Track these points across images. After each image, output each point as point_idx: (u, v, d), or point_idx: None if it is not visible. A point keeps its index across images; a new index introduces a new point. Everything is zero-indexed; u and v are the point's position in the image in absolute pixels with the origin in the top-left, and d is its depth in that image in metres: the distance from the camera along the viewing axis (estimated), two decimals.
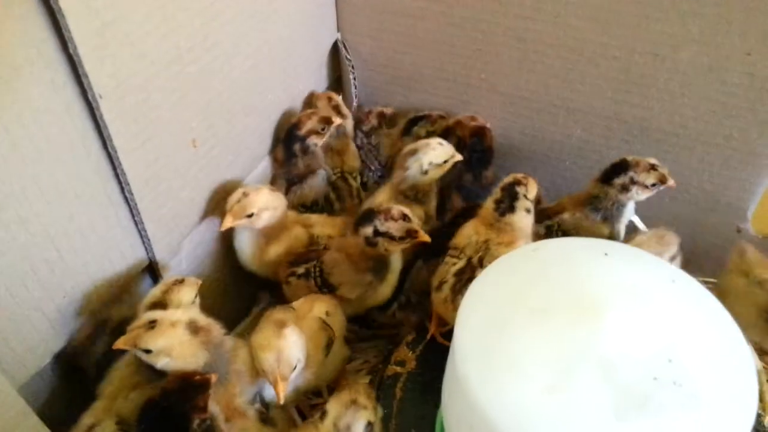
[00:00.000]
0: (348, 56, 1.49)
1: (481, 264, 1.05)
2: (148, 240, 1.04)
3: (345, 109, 1.44)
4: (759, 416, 0.98)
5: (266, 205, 1.14)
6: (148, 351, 0.86)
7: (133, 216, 1.01)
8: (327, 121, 1.30)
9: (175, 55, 0.98)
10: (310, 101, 1.42)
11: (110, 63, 0.86)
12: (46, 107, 0.82)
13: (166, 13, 0.94)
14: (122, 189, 0.97)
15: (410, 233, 1.09)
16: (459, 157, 1.26)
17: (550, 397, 0.65)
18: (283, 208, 1.19)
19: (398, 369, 1.10)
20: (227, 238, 1.12)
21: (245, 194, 1.13)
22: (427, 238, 1.09)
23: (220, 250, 1.23)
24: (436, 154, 1.24)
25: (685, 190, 1.30)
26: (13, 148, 0.79)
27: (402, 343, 1.14)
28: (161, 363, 0.86)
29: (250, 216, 1.12)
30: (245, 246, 1.20)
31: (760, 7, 1.06)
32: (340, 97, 1.46)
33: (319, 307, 1.07)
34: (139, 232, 1.03)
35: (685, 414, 0.64)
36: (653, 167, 1.16)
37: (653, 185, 1.17)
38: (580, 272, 0.76)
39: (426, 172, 1.24)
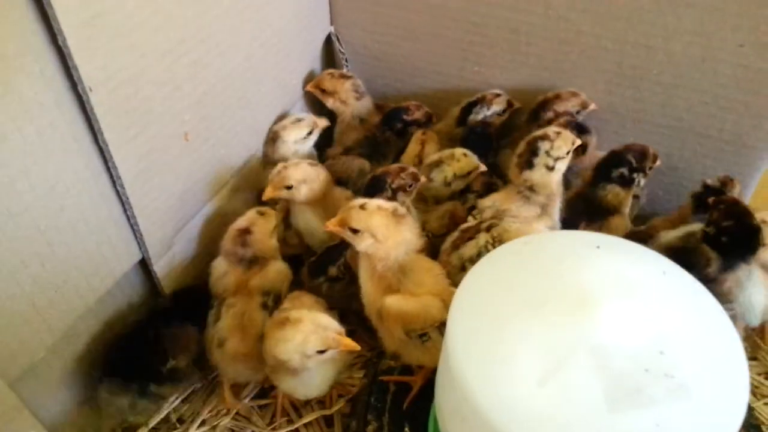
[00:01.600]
0: (341, 49, 1.48)
1: (488, 230, 1.07)
2: (141, 234, 1.03)
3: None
4: (748, 410, 0.99)
5: (304, 177, 1.16)
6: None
7: (125, 210, 1.00)
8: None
9: (166, 47, 0.97)
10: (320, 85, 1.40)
11: (100, 55, 0.86)
12: (36, 100, 0.81)
13: (157, 4, 0.93)
14: (114, 183, 0.96)
15: (414, 177, 1.16)
16: (483, 168, 1.23)
17: (542, 388, 0.65)
18: (322, 182, 1.20)
19: (392, 363, 1.10)
20: (220, 233, 1.11)
21: (285, 167, 1.17)
22: (423, 178, 1.17)
23: (214, 245, 1.22)
24: (460, 166, 1.22)
25: (678, 182, 1.30)
26: (2, 140, 0.78)
27: None
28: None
29: (289, 188, 1.16)
30: (305, 223, 1.22)
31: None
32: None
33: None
34: (131, 226, 1.02)
35: (677, 405, 0.64)
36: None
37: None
38: (572, 265, 0.76)
39: (449, 184, 1.23)
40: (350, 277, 1.11)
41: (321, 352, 0.94)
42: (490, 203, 1.12)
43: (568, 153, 1.09)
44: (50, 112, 0.84)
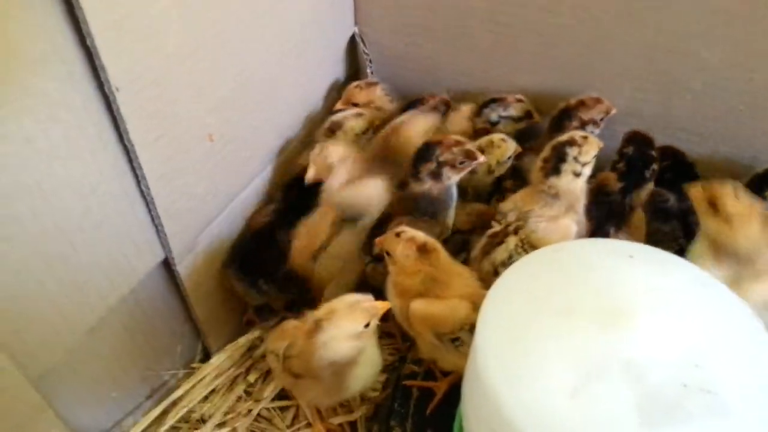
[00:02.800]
0: (365, 50, 1.47)
1: (516, 233, 1.04)
2: (164, 235, 1.03)
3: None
4: None
5: (343, 155, 1.16)
6: None
7: (149, 211, 1.00)
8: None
9: (190, 49, 0.97)
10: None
11: (127, 56, 0.85)
12: (63, 101, 0.81)
13: (181, 7, 0.93)
14: (138, 183, 0.96)
15: (469, 155, 1.10)
16: (518, 149, 1.21)
17: (574, 401, 0.64)
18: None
19: (415, 368, 1.09)
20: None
21: (324, 147, 1.17)
22: (483, 158, 1.12)
23: None
24: (501, 152, 1.19)
25: None
26: (28, 141, 0.78)
27: None
28: None
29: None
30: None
31: None
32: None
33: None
34: (155, 227, 1.02)
35: (714, 422, 0.62)
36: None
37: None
38: (604, 275, 0.74)
39: (492, 172, 1.20)
40: None
41: (366, 326, 0.93)
42: (511, 206, 1.09)
43: (593, 158, 1.06)
44: (77, 114, 0.83)
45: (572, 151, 1.04)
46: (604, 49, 1.22)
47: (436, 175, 1.10)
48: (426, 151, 1.11)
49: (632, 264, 0.76)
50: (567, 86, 1.30)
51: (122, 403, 1.12)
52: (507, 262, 1.02)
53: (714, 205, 0.93)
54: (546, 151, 1.07)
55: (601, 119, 1.24)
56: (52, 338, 0.92)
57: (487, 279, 1.01)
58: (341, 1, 1.39)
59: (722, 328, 0.71)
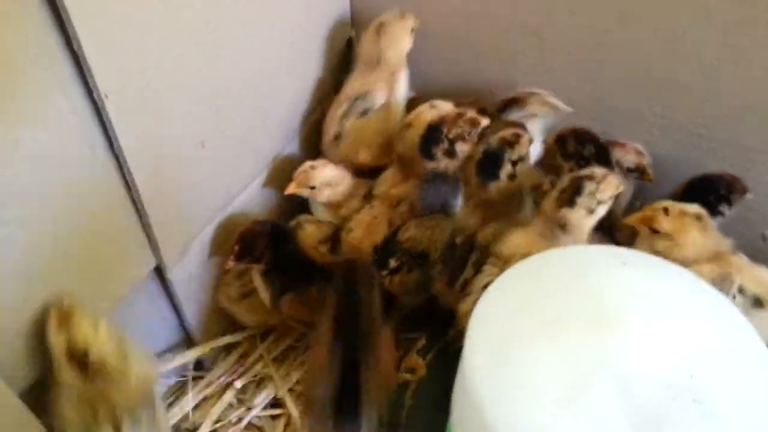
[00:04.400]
0: None
1: None
2: (156, 242, 1.02)
3: None
4: None
5: (329, 180, 1.18)
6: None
7: (140, 217, 0.99)
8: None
9: (181, 53, 0.96)
10: None
11: (116, 61, 0.85)
12: (51, 106, 0.80)
13: (172, 11, 0.92)
14: (129, 190, 0.95)
15: (473, 123, 1.13)
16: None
17: (562, 413, 0.63)
18: (346, 186, 1.22)
19: (408, 376, 1.07)
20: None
21: (312, 167, 1.19)
22: (487, 120, 1.13)
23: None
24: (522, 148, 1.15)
25: None
26: (15, 147, 0.78)
27: (412, 350, 1.12)
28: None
29: (312, 188, 1.19)
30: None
31: None
32: None
33: None
34: (146, 233, 1.01)
35: None
36: None
37: None
38: (596, 282, 0.73)
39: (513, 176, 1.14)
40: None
41: None
42: (513, 249, 1.03)
43: (610, 198, 1.03)
44: (65, 119, 0.83)
45: (590, 186, 1.02)
46: (603, 52, 1.21)
47: (451, 153, 1.13)
48: (434, 133, 1.13)
49: (625, 271, 0.75)
50: (568, 89, 1.29)
51: None
52: None
53: (652, 228, 1.03)
54: (564, 182, 1.05)
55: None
56: (42, 347, 0.91)
57: None
58: (337, 5, 1.39)
59: (716, 336, 0.70)
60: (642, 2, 1.13)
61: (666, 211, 1.03)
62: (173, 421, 1.11)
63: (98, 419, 0.83)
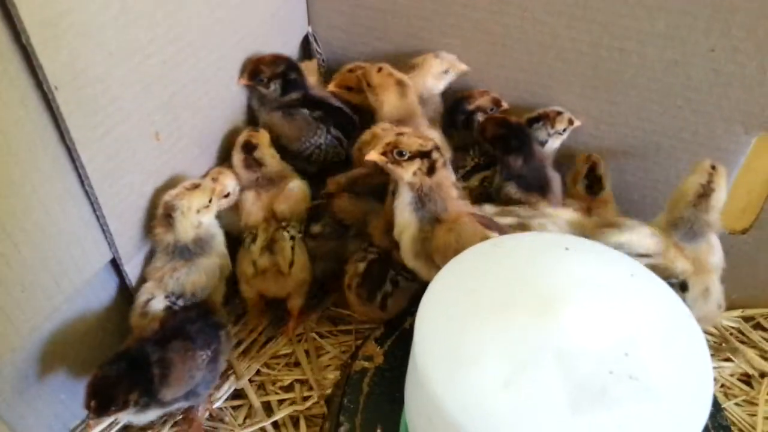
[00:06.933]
0: (319, 50, 1.48)
1: None
2: (110, 234, 1.02)
3: None
4: (718, 410, 1.00)
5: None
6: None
7: (94, 210, 0.99)
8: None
9: (135, 46, 0.96)
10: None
11: (66, 54, 0.84)
12: (0, 99, 0.80)
13: (124, 3, 0.92)
14: (82, 182, 0.95)
15: (496, 102, 1.32)
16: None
17: (507, 390, 0.65)
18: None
19: (366, 364, 1.09)
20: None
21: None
22: (506, 105, 1.32)
23: None
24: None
25: (653, 186, 1.31)
26: None
27: (370, 338, 1.14)
28: None
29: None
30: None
31: (723, 4, 1.07)
32: None
33: None
34: (101, 226, 1.01)
35: (641, 407, 0.65)
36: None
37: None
38: (540, 267, 0.76)
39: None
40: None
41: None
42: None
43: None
44: (15, 112, 0.82)
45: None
46: (553, 49, 1.25)
47: (469, 122, 1.32)
48: (460, 104, 1.34)
49: (568, 256, 0.78)
50: (518, 86, 1.33)
51: (72, 407, 1.10)
52: None
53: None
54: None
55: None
56: None
57: None
58: (295, 1, 1.39)
59: (652, 318, 0.73)
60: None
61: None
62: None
63: None
